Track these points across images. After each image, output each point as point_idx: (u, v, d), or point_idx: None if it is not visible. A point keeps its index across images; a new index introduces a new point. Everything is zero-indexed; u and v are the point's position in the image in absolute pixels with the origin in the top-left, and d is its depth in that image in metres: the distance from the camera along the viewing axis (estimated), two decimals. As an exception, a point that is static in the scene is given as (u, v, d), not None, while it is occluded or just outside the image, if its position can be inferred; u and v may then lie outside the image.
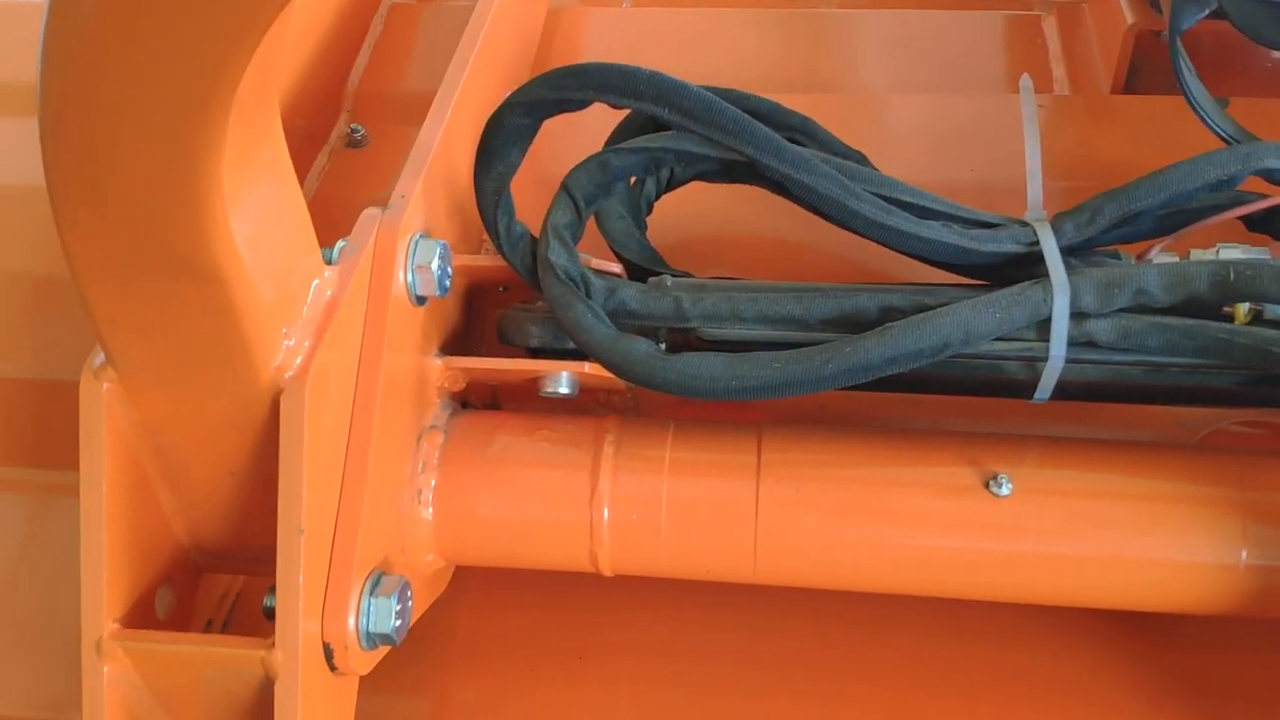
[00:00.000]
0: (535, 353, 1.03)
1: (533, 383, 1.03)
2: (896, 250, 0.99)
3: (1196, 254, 0.98)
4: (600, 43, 1.48)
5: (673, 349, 0.97)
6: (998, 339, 0.93)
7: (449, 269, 0.97)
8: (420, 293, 0.95)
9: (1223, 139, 1.04)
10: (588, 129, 1.05)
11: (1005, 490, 0.94)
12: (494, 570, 1.07)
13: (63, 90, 0.65)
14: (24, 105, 1.21)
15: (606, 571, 1.02)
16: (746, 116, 0.94)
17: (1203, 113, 1.04)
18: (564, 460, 1.00)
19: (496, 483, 1.00)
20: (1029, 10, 1.43)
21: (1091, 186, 1.05)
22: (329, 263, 0.88)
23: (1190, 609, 0.94)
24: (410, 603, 0.92)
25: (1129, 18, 1.22)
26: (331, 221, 0.93)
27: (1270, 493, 0.93)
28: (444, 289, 0.96)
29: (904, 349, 0.90)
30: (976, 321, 0.91)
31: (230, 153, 0.70)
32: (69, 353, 1.09)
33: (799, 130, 1.04)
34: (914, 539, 0.96)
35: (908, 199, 0.98)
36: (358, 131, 1.35)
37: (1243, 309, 0.93)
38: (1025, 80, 1.09)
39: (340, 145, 1.34)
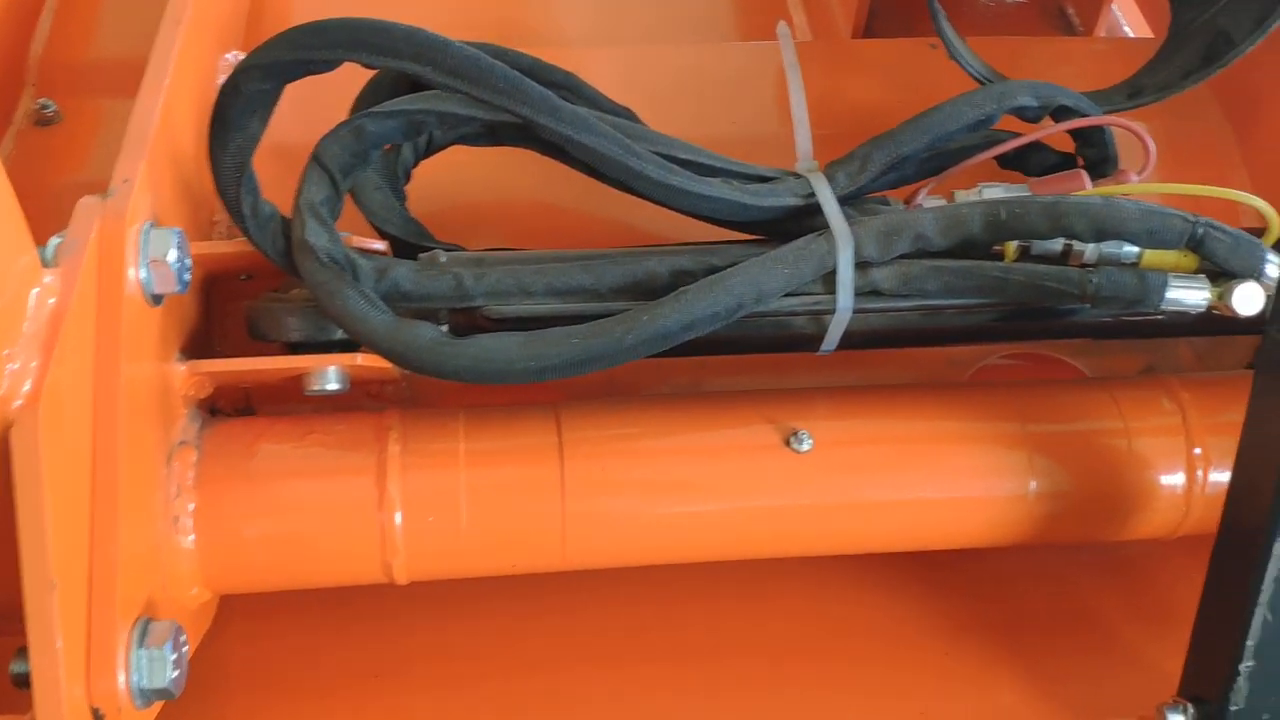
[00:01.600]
0: (295, 347, 0.92)
1: (295, 381, 0.92)
2: (679, 210, 0.95)
3: (961, 195, 1.00)
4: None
5: (456, 331, 0.89)
6: (787, 294, 0.91)
7: (188, 260, 0.84)
8: (156, 290, 0.82)
9: (976, 79, 1.07)
10: (335, 90, 0.94)
11: (806, 446, 0.94)
12: (261, 593, 0.96)
13: None
14: None
15: (402, 580, 0.93)
16: (518, 74, 0.87)
17: (958, 54, 1.07)
18: (344, 465, 0.91)
19: (266, 499, 0.89)
20: None
21: (844, 133, 1.06)
22: (46, 264, 0.74)
23: (988, 542, 0.97)
24: (185, 648, 0.81)
25: None
26: (31, 214, 0.78)
27: (1048, 423, 0.98)
28: (184, 284, 0.83)
29: (700, 313, 0.87)
30: (766, 279, 0.89)
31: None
32: None
33: (564, 87, 0.98)
34: (724, 503, 0.93)
35: (687, 156, 0.95)
36: (47, 107, 1.16)
37: (1012, 246, 0.95)
38: (782, 27, 1.07)
39: (28, 124, 1.15)
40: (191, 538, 0.88)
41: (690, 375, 1.08)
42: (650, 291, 0.90)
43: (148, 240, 0.81)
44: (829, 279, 0.92)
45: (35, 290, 0.71)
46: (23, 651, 0.71)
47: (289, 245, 0.87)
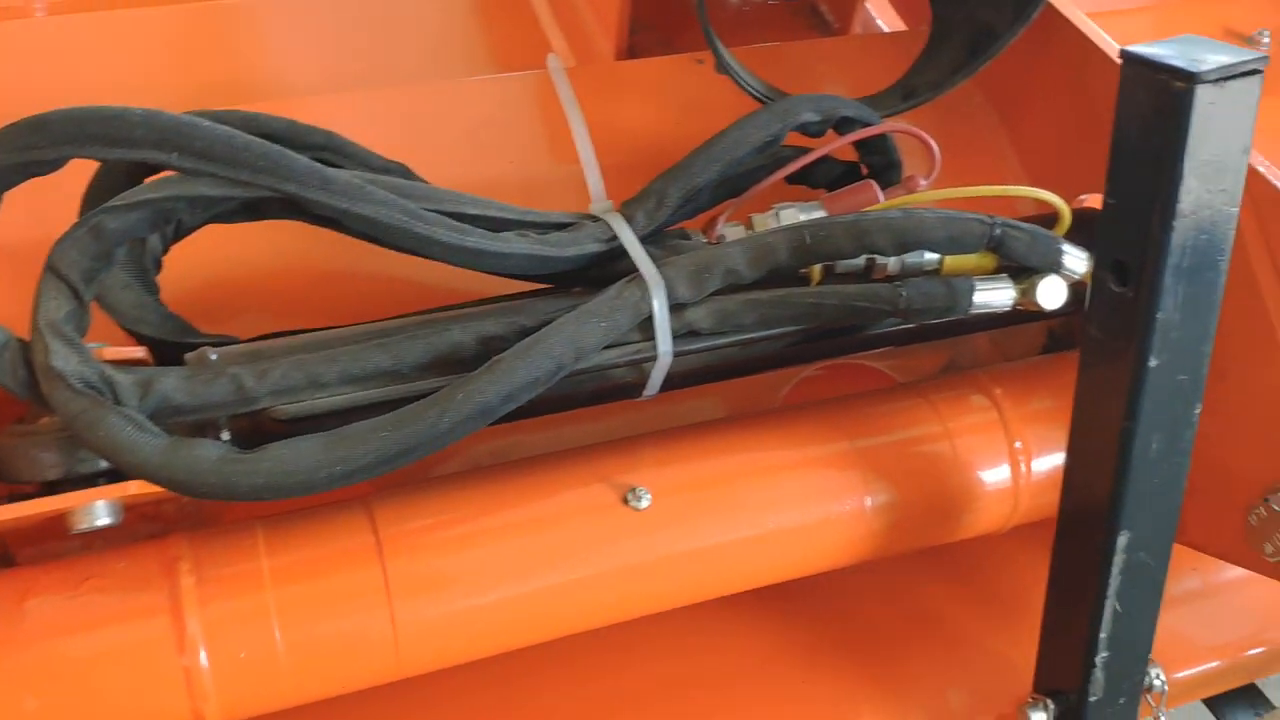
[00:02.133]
0: (53, 486, 0.79)
1: (56, 521, 0.79)
2: (475, 269, 0.88)
3: (759, 219, 0.97)
4: (10, 64, 1.18)
5: (241, 441, 0.79)
6: (606, 347, 0.86)
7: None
8: None
9: (755, 98, 1.05)
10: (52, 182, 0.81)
11: (645, 502, 0.89)
12: None
13: None
14: None
15: (218, 721, 0.82)
16: (277, 148, 0.77)
17: (735, 74, 1.04)
18: (131, 608, 0.79)
19: (43, 665, 0.77)
20: None
21: (626, 161, 1.01)
22: None
23: (834, 564, 0.95)
24: None
25: None
26: None
27: (873, 436, 0.97)
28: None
29: (519, 381, 0.80)
30: (584, 336, 0.83)
31: None
32: None
33: (327, 149, 0.89)
34: (569, 575, 0.88)
35: (476, 211, 0.87)
36: None
37: (818, 269, 0.94)
38: (553, 60, 1.02)
39: None
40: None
41: (506, 436, 1.01)
42: (459, 363, 0.83)
43: None
44: (646, 325, 0.87)
45: None
46: None
47: (31, 374, 0.74)
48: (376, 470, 0.77)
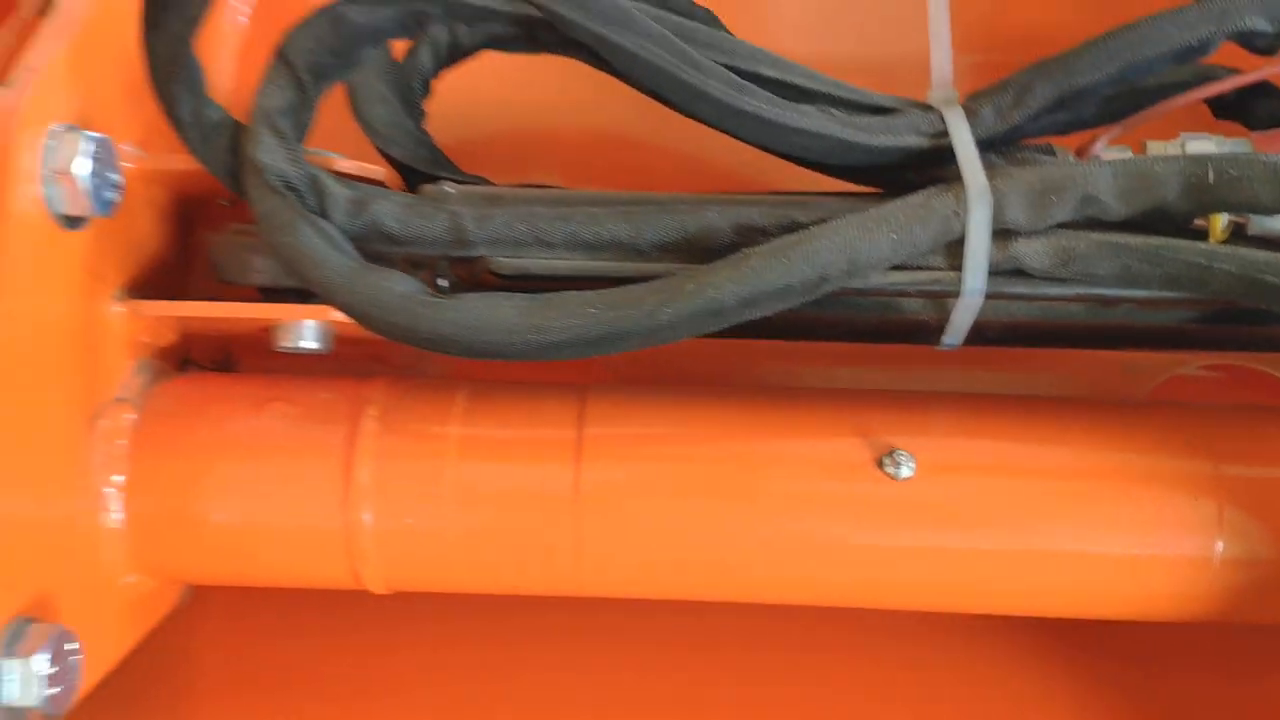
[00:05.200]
0: (265, 293, 0.74)
1: (266, 334, 0.74)
2: (756, 145, 0.71)
3: (1155, 147, 0.73)
4: None
5: (456, 290, 0.69)
6: (895, 268, 0.67)
7: (112, 176, 0.66)
8: (65, 210, 0.65)
9: (1185, -8, 0.79)
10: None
11: (905, 471, 0.70)
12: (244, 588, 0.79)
13: None
14: None
15: (377, 589, 0.75)
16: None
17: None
18: (306, 442, 0.73)
19: (211, 476, 0.72)
20: None
21: (1010, 61, 0.79)
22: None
23: (1150, 616, 0.71)
24: (75, 657, 0.64)
25: None
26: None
27: (1245, 463, 0.71)
28: (104, 204, 0.66)
29: (766, 285, 0.64)
30: (865, 245, 0.65)
31: None
32: None
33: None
34: (784, 533, 0.71)
35: (773, 74, 0.71)
36: None
37: (1220, 222, 0.68)
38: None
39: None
40: (120, 515, 0.71)
41: (766, 364, 0.85)
42: (706, 251, 0.68)
43: (53, 146, 0.63)
44: (955, 250, 0.67)
45: None
46: None
47: (242, 169, 0.68)
48: (574, 349, 0.64)
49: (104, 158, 0.65)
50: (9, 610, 0.62)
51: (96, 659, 0.69)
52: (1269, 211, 0.65)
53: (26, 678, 0.61)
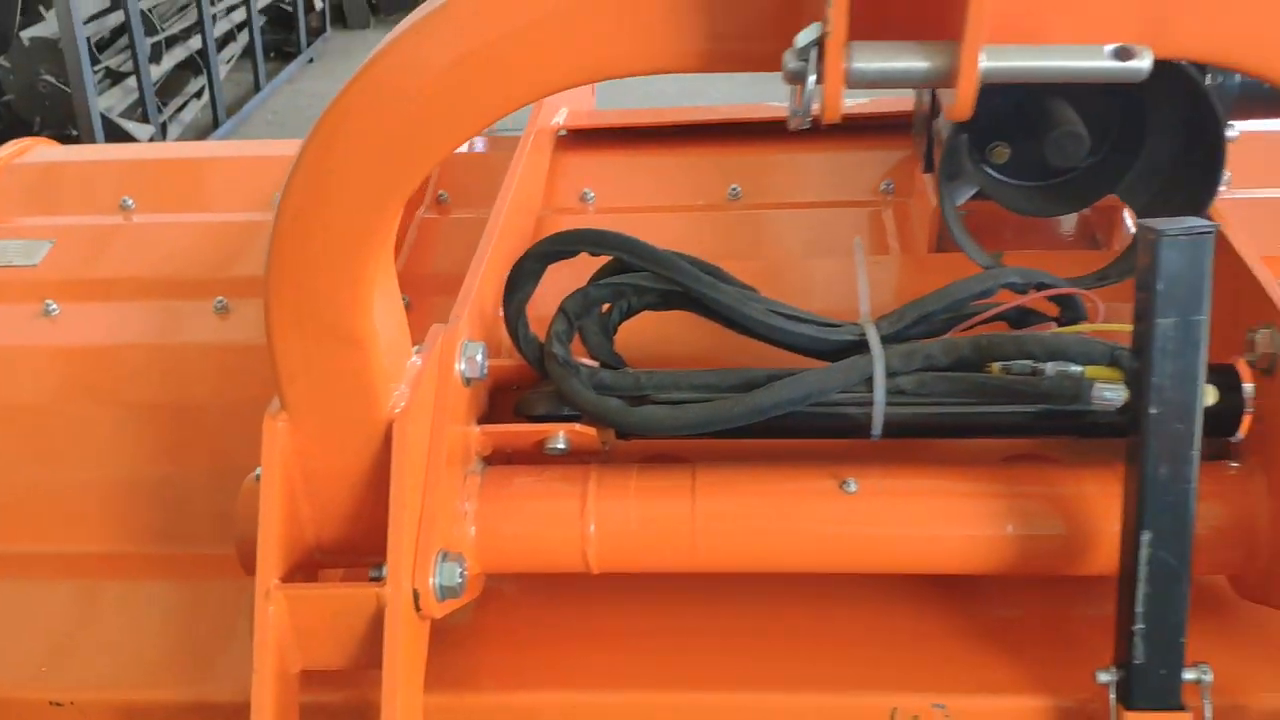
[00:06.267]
0: (539, 419, 1.53)
1: (539, 444, 1.52)
2: (775, 344, 1.51)
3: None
4: None
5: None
6: (842, 392, 1.45)
7: (485, 362, 1.48)
8: (468, 375, 1.46)
9: (984, 267, 1.61)
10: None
11: (852, 488, 1.44)
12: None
13: (285, 229, 1.19)
14: None
15: (595, 568, 1.48)
16: (674, 255, 1.49)
17: (969, 254, 1.61)
18: (562, 492, 1.49)
19: (515, 508, 1.48)
20: (877, 206, 2.04)
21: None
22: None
23: (978, 570, 1.42)
24: (465, 576, 1.38)
25: (933, 203, 1.81)
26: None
27: (1027, 484, 1.44)
28: (483, 372, 1.47)
29: (781, 398, 1.42)
30: (827, 380, 1.44)
31: (374, 271, 1.23)
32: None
33: (710, 272, 1.59)
34: (796, 528, 1.44)
35: (784, 311, 1.53)
36: (405, 300, 1.89)
37: (996, 365, 1.46)
38: (857, 240, 1.66)
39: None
40: (473, 528, 1.47)
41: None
42: (751, 389, 1.47)
43: (465, 348, 1.46)
44: (868, 382, 1.45)
45: (410, 360, 1.36)
46: (378, 566, 1.31)
47: (542, 355, 1.50)
48: (692, 428, 1.41)
49: (485, 353, 1.47)
50: (440, 547, 1.37)
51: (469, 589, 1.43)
52: (1012, 358, 1.42)
53: (452, 573, 1.35)
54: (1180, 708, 1.28)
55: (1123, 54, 0.94)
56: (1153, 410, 1.22)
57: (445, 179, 2.20)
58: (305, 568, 1.40)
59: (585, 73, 1.10)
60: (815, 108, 0.97)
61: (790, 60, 0.95)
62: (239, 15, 9.73)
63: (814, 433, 1.52)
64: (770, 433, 1.47)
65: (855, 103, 2.18)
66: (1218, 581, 1.47)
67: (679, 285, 1.49)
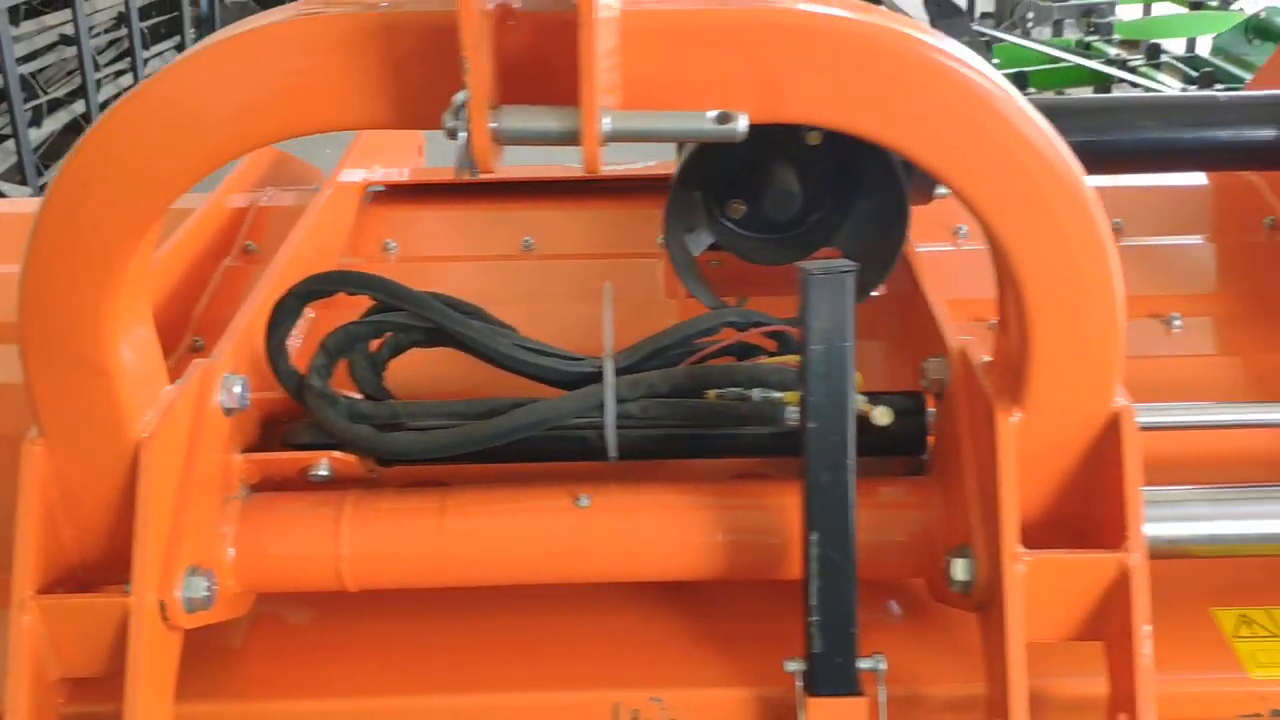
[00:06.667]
0: (301, 448, 1.65)
1: (302, 471, 1.64)
2: (524, 375, 1.66)
3: (695, 369, 1.69)
4: None
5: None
6: (580, 418, 1.60)
7: (246, 394, 1.60)
8: (227, 406, 1.58)
9: (711, 308, 1.79)
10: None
11: (585, 503, 1.59)
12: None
13: (34, 270, 1.31)
14: None
15: (351, 587, 1.60)
16: (427, 295, 1.64)
17: (699, 297, 1.79)
18: (319, 514, 1.60)
19: (273, 531, 1.59)
20: (652, 259, 2.22)
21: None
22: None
23: (699, 576, 1.57)
24: (213, 590, 1.49)
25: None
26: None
27: (733, 497, 1.60)
28: (243, 403, 1.59)
29: (519, 423, 1.57)
30: (562, 406, 1.59)
31: (118, 306, 1.35)
32: None
33: (467, 311, 1.73)
34: (533, 542, 1.58)
35: (530, 346, 1.68)
36: (199, 342, 2.00)
37: (713, 393, 1.62)
38: (607, 286, 1.83)
39: (186, 350, 1.99)
40: (232, 549, 1.58)
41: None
42: (497, 414, 1.61)
43: (226, 381, 1.58)
44: (600, 408, 1.60)
45: (164, 389, 1.48)
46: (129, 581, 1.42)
47: (302, 388, 1.62)
48: (441, 451, 1.55)
49: (245, 387, 1.59)
50: (190, 562, 1.47)
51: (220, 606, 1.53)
52: (722, 386, 1.59)
53: (198, 587, 1.46)
54: (857, 692, 1.44)
55: (723, 119, 1.12)
56: (811, 425, 1.39)
57: (255, 231, 2.32)
58: (69, 584, 1.50)
59: (292, 130, 1.25)
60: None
61: (447, 120, 1.11)
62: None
63: (561, 456, 1.66)
64: (522, 457, 1.62)
65: (645, 165, 2.38)
66: (917, 584, 1.65)
67: (432, 322, 1.64)
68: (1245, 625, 1.60)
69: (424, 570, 1.59)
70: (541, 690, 1.56)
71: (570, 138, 1.11)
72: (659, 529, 1.59)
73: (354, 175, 2.33)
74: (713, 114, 1.12)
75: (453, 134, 1.12)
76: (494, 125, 1.11)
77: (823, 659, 1.43)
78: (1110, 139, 1.93)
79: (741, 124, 1.12)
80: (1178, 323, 1.94)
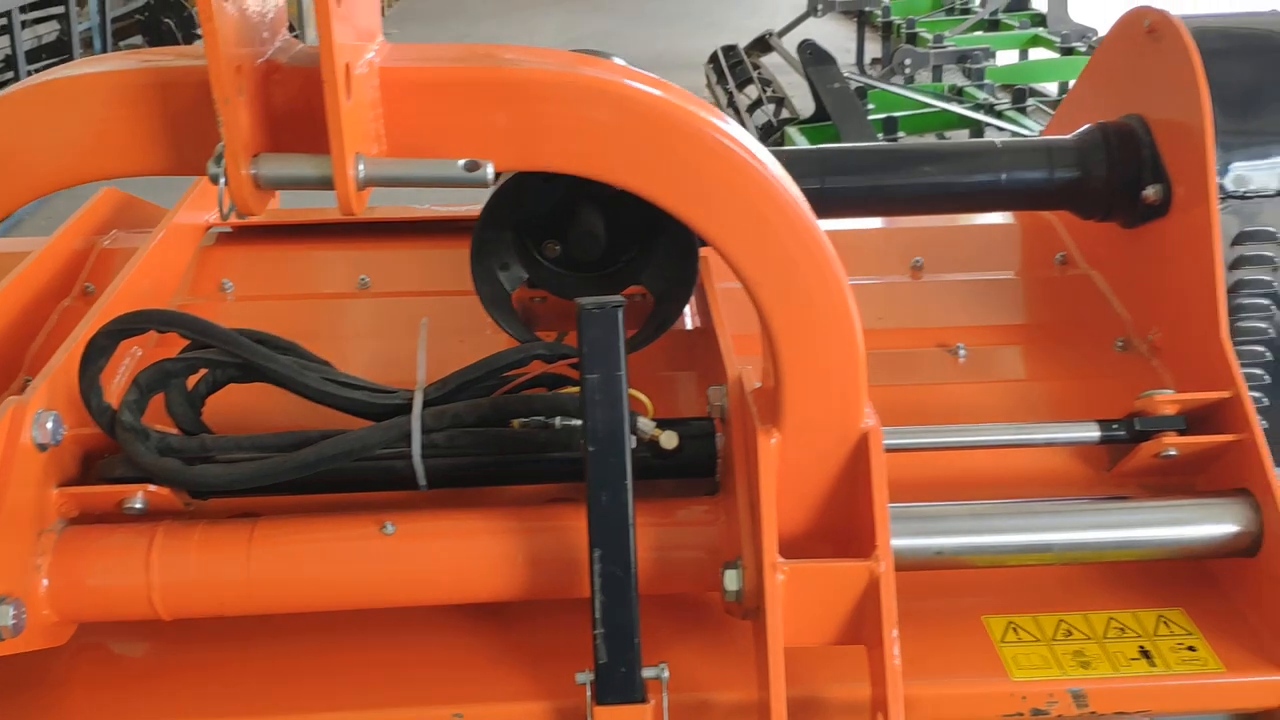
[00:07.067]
0: (115, 481, 1.70)
1: (118, 504, 1.69)
2: (334, 408, 1.74)
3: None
4: None
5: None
6: (387, 448, 1.68)
7: (59, 429, 1.65)
8: (40, 441, 1.62)
9: (520, 340, 1.89)
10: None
11: (390, 530, 1.66)
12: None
13: None
14: None
15: (165, 616, 1.64)
16: (236, 333, 1.70)
17: (509, 331, 1.89)
18: (130, 545, 1.65)
19: (86, 562, 1.64)
20: None
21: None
22: (-19, 419, 1.56)
23: (502, 596, 1.65)
24: (21, 619, 1.53)
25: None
26: None
27: (536, 521, 1.69)
28: (56, 439, 1.64)
29: (325, 453, 1.64)
30: (369, 437, 1.67)
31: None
32: None
33: (282, 347, 1.80)
34: (339, 569, 1.65)
35: (339, 379, 1.75)
36: (29, 380, 2.04)
37: (517, 422, 1.72)
38: (424, 321, 1.92)
39: (18, 390, 2.02)
40: (45, 580, 1.62)
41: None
42: (305, 446, 1.68)
43: (39, 417, 1.62)
44: (408, 439, 1.68)
45: (-25, 428, 1.53)
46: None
47: (114, 424, 1.67)
48: (248, 482, 1.62)
49: (58, 423, 1.64)
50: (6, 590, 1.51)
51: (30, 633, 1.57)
52: (524, 416, 1.69)
53: (5, 615, 1.50)
54: (642, 700, 1.53)
55: (471, 167, 1.22)
56: (591, 449, 1.49)
57: (96, 273, 2.36)
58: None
59: (88, 175, 1.33)
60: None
61: (210, 167, 1.20)
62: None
63: (373, 486, 1.74)
64: (336, 487, 1.70)
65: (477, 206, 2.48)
66: (714, 598, 1.75)
67: (241, 358, 1.71)
68: (1012, 631, 1.73)
69: (233, 598, 1.65)
70: (348, 710, 1.62)
71: (326, 183, 1.20)
72: (461, 553, 1.67)
73: (193, 217, 2.38)
74: (462, 162, 1.22)
75: (215, 180, 1.20)
76: (254, 171, 1.19)
77: (608, 669, 1.52)
78: (899, 183, 2.09)
79: (488, 172, 1.22)
80: (963, 352, 2.09)
